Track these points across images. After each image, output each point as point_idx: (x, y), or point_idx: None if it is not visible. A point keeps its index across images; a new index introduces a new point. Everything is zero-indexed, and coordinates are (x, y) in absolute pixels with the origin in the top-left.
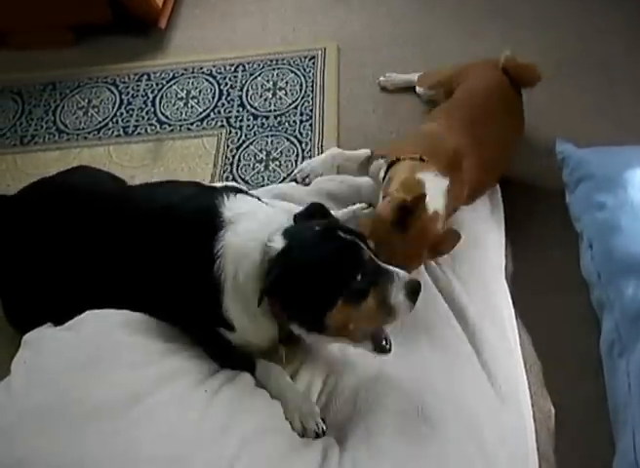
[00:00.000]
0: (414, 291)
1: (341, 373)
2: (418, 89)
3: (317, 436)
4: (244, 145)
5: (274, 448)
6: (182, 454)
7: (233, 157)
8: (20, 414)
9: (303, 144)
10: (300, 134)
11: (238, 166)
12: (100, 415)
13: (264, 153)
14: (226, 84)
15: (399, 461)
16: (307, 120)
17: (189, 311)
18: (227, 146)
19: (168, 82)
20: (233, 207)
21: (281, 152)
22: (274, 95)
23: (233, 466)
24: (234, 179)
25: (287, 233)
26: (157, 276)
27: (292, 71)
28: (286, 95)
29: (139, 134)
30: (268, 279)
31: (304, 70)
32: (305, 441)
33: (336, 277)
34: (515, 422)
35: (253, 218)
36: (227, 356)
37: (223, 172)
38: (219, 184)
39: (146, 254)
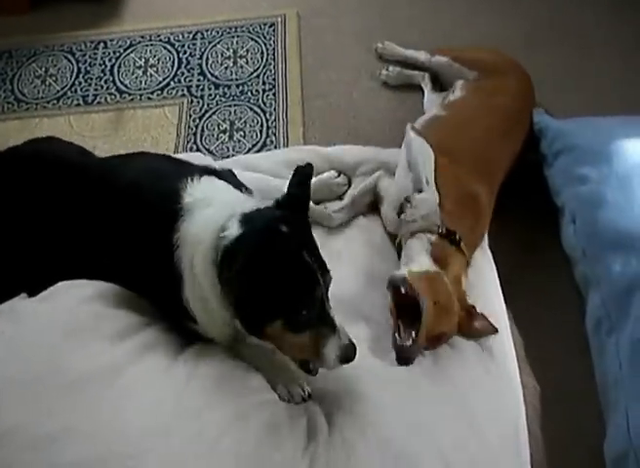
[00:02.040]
0: (347, 358)
1: None
2: (432, 57)
3: (303, 400)
4: (207, 115)
5: (260, 422)
6: (168, 426)
7: (196, 127)
8: (3, 384)
9: (267, 114)
10: (264, 103)
11: (202, 136)
12: (84, 385)
13: (228, 123)
14: (185, 52)
15: (388, 436)
16: (270, 89)
17: (153, 298)
18: (190, 116)
19: (125, 50)
20: (194, 192)
21: (245, 122)
22: (235, 63)
23: (221, 438)
24: (198, 150)
25: (245, 219)
26: (122, 257)
27: (252, 39)
28: (247, 63)
29: (98, 103)
30: (226, 266)
31: (265, 38)
32: (291, 412)
33: (283, 300)
34: (506, 400)
35: (210, 205)
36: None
37: (187, 142)
38: (183, 155)
39: (112, 233)
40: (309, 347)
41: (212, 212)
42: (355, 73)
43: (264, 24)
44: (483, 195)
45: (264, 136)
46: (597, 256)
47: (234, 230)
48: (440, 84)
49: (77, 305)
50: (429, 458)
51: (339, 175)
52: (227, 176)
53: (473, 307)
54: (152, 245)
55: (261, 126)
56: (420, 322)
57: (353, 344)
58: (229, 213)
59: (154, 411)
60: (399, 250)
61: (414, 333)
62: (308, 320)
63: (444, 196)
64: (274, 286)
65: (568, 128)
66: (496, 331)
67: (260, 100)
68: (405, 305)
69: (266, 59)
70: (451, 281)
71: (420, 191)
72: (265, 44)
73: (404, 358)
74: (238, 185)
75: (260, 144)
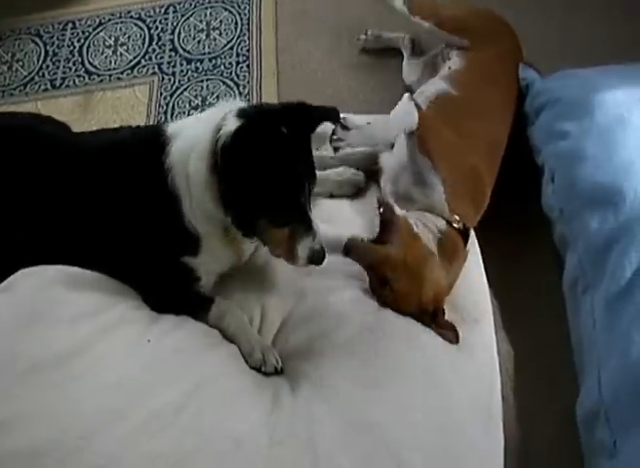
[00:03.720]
0: (315, 260)
1: (294, 312)
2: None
3: (275, 371)
4: (178, 92)
5: (223, 393)
6: (126, 406)
7: (167, 105)
8: None
9: (241, 87)
10: (237, 76)
11: (173, 114)
12: (40, 371)
13: (200, 99)
14: (157, 28)
15: (354, 404)
16: (244, 61)
17: (151, 244)
18: (161, 94)
19: (94, 29)
20: (176, 124)
21: (217, 97)
22: (208, 36)
23: (179, 414)
24: None
25: (243, 114)
26: (113, 213)
27: (226, 9)
28: (220, 35)
29: (67, 86)
30: (224, 140)
31: (239, 7)
32: (257, 384)
33: (270, 200)
34: (480, 366)
35: (196, 123)
36: (185, 296)
37: (158, 121)
38: None
39: (98, 192)
40: (286, 244)
41: (199, 125)
42: (334, 41)
43: None
44: (485, 174)
45: None
46: (575, 214)
47: (231, 125)
48: (421, 47)
49: (36, 292)
50: (395, 425)
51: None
52: None
53: (443, 311)
54: (144, 182)
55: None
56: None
57: (324, 250)
58: (220, 116)
59: (113, 391)
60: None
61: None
62: (289, 219)
63: (449, 176)
64: (263, 186)
65: (550, 82)
66: (456, 341)
67: (234, 74)
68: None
69: (241, 30)
70: (446, 275)
71: (423, 183)
72: (240, 14)
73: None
74: None
75: None
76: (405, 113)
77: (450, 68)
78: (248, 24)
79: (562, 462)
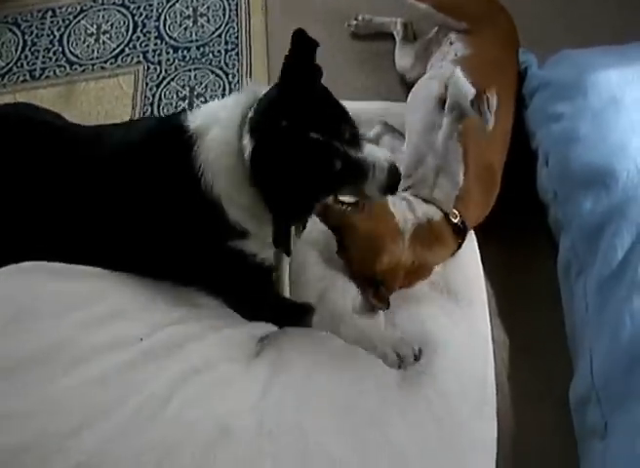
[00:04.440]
0: (391, 186)
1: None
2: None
3: (416, 359)
4: (164, 82)
5: (210, 382)
6: (110, 401)
7: (153, 96)
8: None
9: (230, 76)
10: (226, 64)
11: (159, 105)
12: (23, 367)
13: (188, 89)
14: (141, 14)
15: (345, 391)
16: (233, 49)
17: (196, 242)
18: (146, 84)
19: (75, 17)
20: (195, 116)
21: (206, 87)
22: (195, 22)
23: (165, 406)
24: None
25: (254, 130)
26: (147, 218)
27: None
28: (208, 22)
29: (47, 77)
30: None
31: None
32: (246, 372)
33: (315, 189)
34: (473, 352)
35: (217, 122)
36: (271, 302)
37: (143, 112)
38: None
39: (125, 199)
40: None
41: (221, 128)
42: (326, 26)
43: None
44: (497, 165)
45: None
46: (568, 197)
47: (247, 143)
48: (413, 32)
49: (18, 290)
50: (389, 412)
51: None
52: None
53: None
54: (175, 186)
55: (224, 89)
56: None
57: (391, 165)
58: (238, 122)
59: (99, 385)
60: None
61: None
62: (340, 184)
63: (470, 169)
64: (306, 179)
65: (546, 64)
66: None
67: (223, 62)
68: None
69: (229, 16)
70: (412, 257)
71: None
72: None
73: None
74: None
75: None
76: (463, 84)
77: (457, 55)
78: (236, 10)
79: (558, 450)
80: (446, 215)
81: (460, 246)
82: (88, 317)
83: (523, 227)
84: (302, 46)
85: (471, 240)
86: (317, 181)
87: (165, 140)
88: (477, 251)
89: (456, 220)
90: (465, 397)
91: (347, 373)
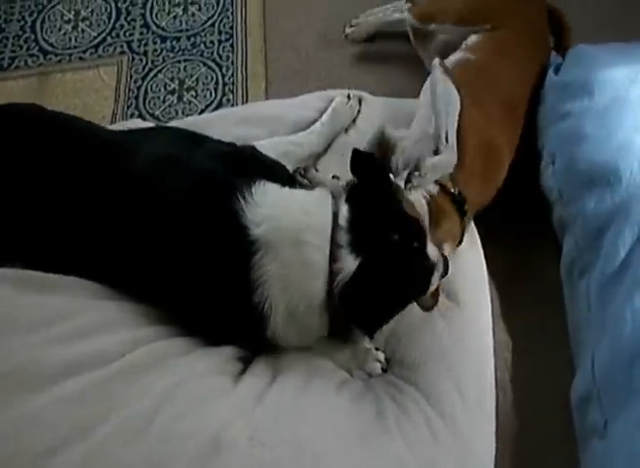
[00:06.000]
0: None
1: None
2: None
3: (384, 371)
4: (151, 74)
5: (200, 394)
6: (91, 418)
7: (138, 89)
8: None
9: (224, 69)
10: (220, 56)
11: (145, 99)
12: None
13: (177, 82)
14: (125, 0)
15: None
16: (227, 39)
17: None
18: (131, 77)
19: (50, 1)
20: (259, 215)
21: (197, 80)
22: (185, 10)
23: (151, 421)
24: (141, 116)
25: (355, 247)
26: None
27: None
28: (200, 10)
29: (17, 68)
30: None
31: None
32: (237, 383)
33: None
34: (471, 350)
35: (293, 232)
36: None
37: (127, 107)
38: (120, 124)
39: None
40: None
41: (303, 246)
42: (328, 17)
43: None
44: (503, 145)
45: (220, 94)
46: (573, 196)
47: (349, 264)
48: None
49: None
50: (383, 421)
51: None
52: (264, 163)
53: None
54: (218, 275)
55: (217, 83)
56: None
57: (444, 259)
58: (322, 238)
59: (78, 402)
60: None
61: None
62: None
63: (462, 147)
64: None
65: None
66: None
67: (216, 53)
68: None
69: (223, 5)
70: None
71: (436, 151)
72: None
73: None
74: (287, 177)
75: (214, 104)
76: (445, 93)
77: (466, 45)
78: None
79: (558, 450)
80: (442, 187)
81: (462, 218)
82: (64, 332)
83: (526, 229)
84: (366, 167)
85: (475, 241)
86: (417, 292)
87: (216, 231)
88: (481, 252)
89: (453, 190)
90: (464, 398)
91: (342, 383)
